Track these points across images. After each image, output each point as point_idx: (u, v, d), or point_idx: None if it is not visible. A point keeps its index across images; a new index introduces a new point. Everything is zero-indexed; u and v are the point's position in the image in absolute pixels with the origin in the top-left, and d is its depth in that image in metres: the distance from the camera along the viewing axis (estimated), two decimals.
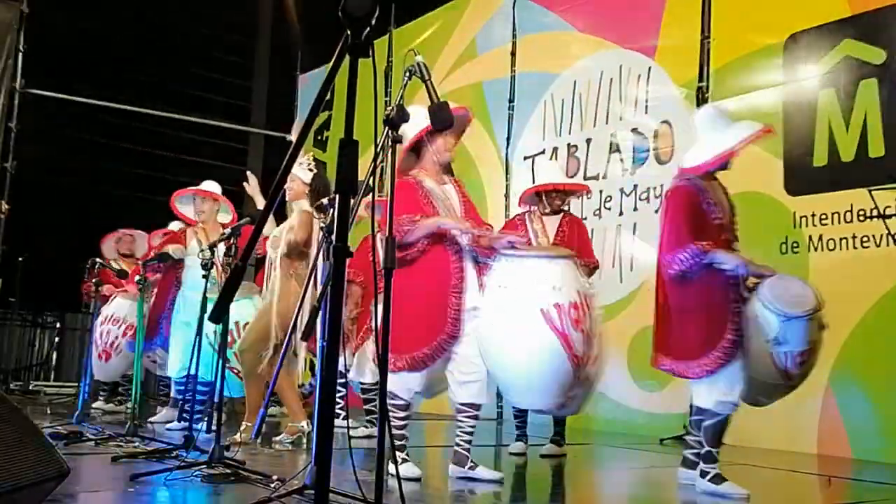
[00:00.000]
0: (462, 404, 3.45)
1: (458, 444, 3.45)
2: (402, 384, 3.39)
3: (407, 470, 3.33)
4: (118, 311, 6.15)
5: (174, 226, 6.43)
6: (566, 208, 4.61)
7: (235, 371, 4.77)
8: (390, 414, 3.36)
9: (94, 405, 6.50)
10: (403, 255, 3.31)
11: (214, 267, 3.98)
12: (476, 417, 3.46)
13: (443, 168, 3.62)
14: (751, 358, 3.24)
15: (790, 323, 3.11)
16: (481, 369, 3.41)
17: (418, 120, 3.35)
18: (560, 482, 4.08)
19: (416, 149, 3.54)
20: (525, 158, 7.41)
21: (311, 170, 4.51)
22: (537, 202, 4.55)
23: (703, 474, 3.32)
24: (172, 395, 5.60)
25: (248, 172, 4.84)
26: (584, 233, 4.65)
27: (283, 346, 3.48)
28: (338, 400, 4.85)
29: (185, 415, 5.19)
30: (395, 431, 3.34)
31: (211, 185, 5.49)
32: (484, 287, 3.45)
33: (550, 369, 3.29)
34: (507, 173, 7.56)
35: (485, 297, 3.42)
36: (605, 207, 6.45)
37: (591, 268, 4.34)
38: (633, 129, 6.42)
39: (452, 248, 3.42)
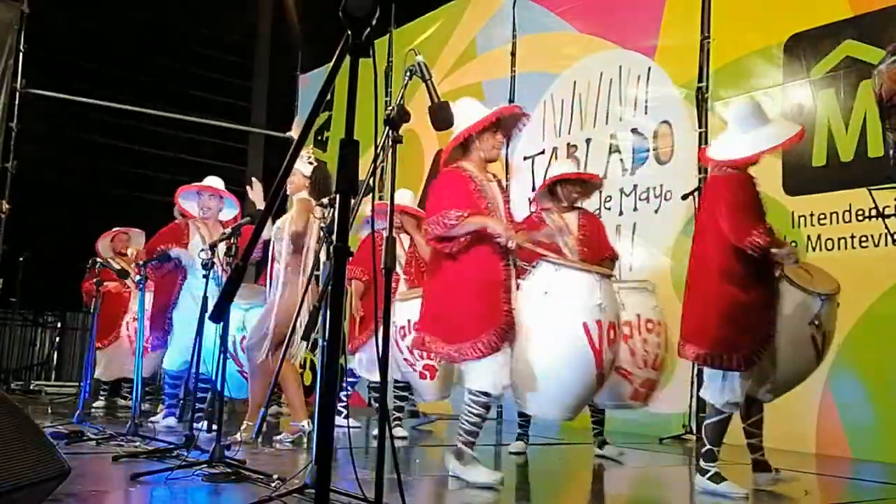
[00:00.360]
0: (479, 391, 3.33)
1: (461, 435, 3.35)
2: (491, 378, 3.27)
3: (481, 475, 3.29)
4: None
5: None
6: (580, 203, 4.58)
7: (242, 371, 4.79)
8: (469, 409, 3.31)
9: (93, 404, 6.51)
10: (444, 247, 3.31)
11: (215, 266, 3.98)
12: (488, 407, 3.37)
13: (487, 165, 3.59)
14: (791, 345, 3.29)
15: (826, 303, 3.29)
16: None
17: (470, 114, 3.40)
18: (559, 481, 4.09)
19: (464, 143, 3.49)
20: (525, 158, 7.42)
21: (311, 163, 4.51)
22: (550, 198, 4.49)
23: (703, 472, 3.33)
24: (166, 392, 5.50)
25: (253, 179, 4.82)
26: (602, 226, 4.67)
27: (286, 343, 3.49)
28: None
29: (173, 410, 5.19)
30: (469, 429, 3.30)
31: (215, 181, 5.45)
32: (520, 289, 3.46)
33: (580, 383, 3.43)
34: (506, 173, 7.56)
35: (524, 301, 3.43)
36: (605, 207, 6.45)
37: (612, 259, 4.45)
38: (633, 130, 6.42)
39: (498, 246, 3.35)
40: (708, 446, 3.33)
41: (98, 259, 5.27)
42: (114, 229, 7.08)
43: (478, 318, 3.28)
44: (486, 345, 3.24)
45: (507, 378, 3.33)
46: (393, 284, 5.04)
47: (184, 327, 5.13)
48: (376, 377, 5.08)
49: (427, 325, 3.46)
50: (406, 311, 4.39)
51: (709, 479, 3.30)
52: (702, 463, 3.34)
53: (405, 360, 4.52)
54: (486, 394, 3.30)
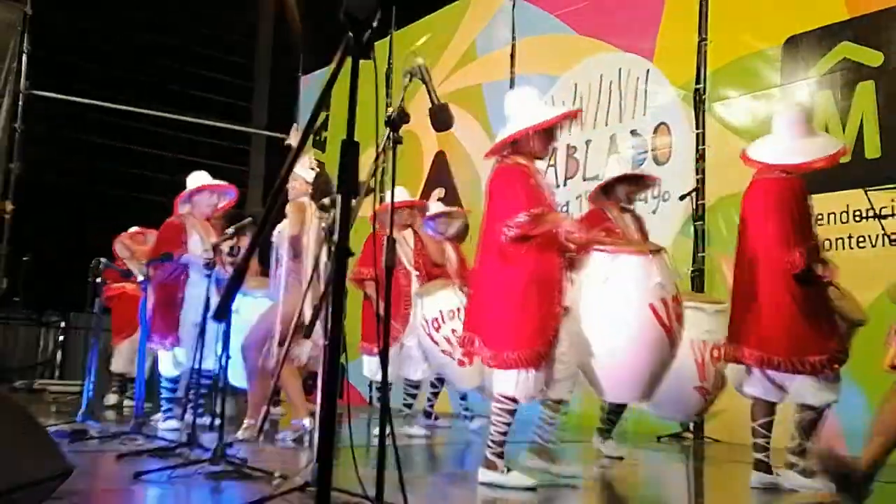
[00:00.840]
0: (553, 401, 3.35)
1: (491, 445, 3.25)
2: (524, 386, 3.16)
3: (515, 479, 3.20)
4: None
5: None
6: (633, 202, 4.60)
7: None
8: (496, 418, 3.23)
9: (105, 401, 6.52)
10: (518, 248, 3.18)
11: (217, 266, 4.02)
12: (514, 413, 3.26)
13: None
14: None
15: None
16: (573, 367, 3.33)
17: (529, 108, 3.37)
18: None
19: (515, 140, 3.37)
20: None
21: (312, 168, 4.54)
22: (605, 197, 4.42)
23: (792, 466, 3.46)
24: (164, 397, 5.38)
25: (295, 125, 4.74)
26: (644, 225, 4.70)
27: (287, 344, 3.52)
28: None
29: (171, 414, 5.17)
30: (498, 438, 3.20)
31: (202, 177, 5.46)
32: (574, 283, 3.36)
33: (657, 361, 3.51)
34: None
35: (583, 293, 3.38)
36: None
37: None
38: (632, 131, 6.45)
39: (557, 243, 3.25)
40: (804, 443, 3.47)
41: (101, 259, 5.26)
42: (132, 229, 6.93)
43: (527, 328, 3.16)
44: (521, 359, 3.13)
45: (536, 388, 3.21)
46: (403, 281, 5.11)
47: (189, 329, 5.07)
48: (411, 375, 5.14)
49: (475, 326, 3.36)
50: (435, 303, 4.43)
51: (800, 472, 3.43)
52: (796, 459, 3.50)
53: (442, 350, 4.56)
54: (513, 400, 3.21)
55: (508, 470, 3.23)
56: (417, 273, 5.25)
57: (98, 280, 5.10)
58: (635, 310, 3.46)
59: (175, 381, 5.28)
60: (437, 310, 4.50)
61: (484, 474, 3.24)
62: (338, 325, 1.72)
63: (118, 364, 6.86)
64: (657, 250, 3.69)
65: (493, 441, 3.24)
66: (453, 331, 4.47)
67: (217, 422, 3.57)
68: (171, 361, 5.17)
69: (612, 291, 3.47)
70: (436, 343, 4.55)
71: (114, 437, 4.21)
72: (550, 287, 3.22)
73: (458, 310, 4.49)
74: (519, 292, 3.18)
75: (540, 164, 3.60)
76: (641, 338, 3.45)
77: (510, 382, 3.18)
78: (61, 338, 9.87)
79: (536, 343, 3.14)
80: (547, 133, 3.36)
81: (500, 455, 3.24)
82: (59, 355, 9.86)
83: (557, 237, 3.21)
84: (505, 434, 3.24)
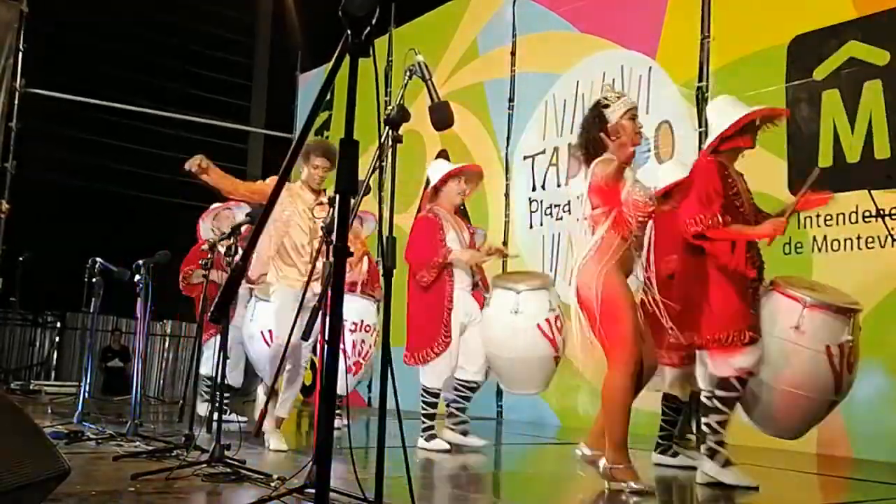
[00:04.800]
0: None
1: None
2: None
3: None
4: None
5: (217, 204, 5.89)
6: None
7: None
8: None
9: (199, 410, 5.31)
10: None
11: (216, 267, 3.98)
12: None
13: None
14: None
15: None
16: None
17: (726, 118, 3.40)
18: (556, 480, 4.08)
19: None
20: (525, 158, 7.42)
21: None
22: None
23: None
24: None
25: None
26: None
27: (285, 346, 3.48)
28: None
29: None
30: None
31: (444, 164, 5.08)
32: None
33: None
34: (506, 173, 7.56)
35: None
36: None
37: None
38: None
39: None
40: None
41: (98, 259, 5.10)
42: (214, 206, 5.93)
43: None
44: None
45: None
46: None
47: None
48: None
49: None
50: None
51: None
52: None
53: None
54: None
55: None
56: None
57: (95, 280, 5.01)
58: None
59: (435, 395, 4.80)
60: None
61: (703, 464, 3.36)
62: (338, 325, 1.70)
63: (209, 366, 5.65)
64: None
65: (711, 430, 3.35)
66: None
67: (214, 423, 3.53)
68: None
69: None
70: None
71: (111, 438, 4.18)
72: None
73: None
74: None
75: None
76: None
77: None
78: (57, 338, 9.84)
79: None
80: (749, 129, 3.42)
81: (722, 444, 3.33)
82: (54, 356, 9.83)
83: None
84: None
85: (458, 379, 4.61)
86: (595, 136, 3.31)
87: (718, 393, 3.29)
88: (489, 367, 4.57)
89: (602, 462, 3.21)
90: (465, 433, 4.67)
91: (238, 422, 4.86)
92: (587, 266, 3.24)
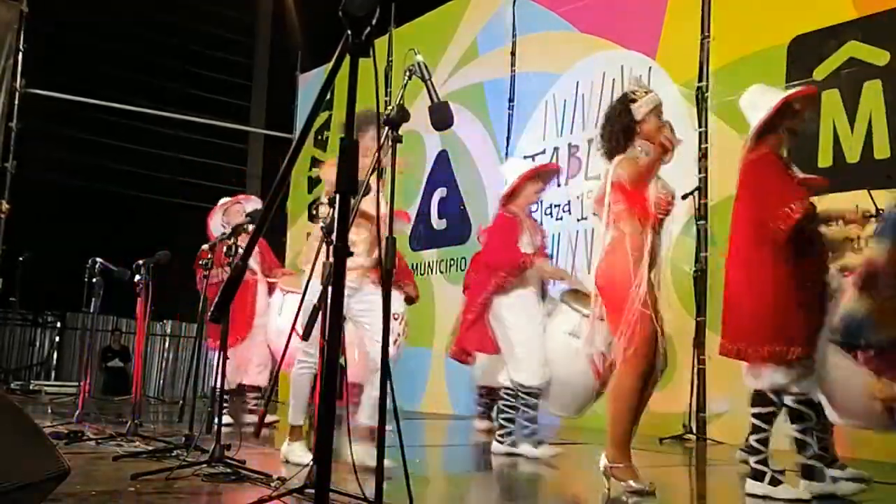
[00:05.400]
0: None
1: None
2: None
3: None
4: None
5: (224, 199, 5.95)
6: None
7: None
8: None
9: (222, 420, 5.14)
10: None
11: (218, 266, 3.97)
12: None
13: None
14: None
15: None
16: None
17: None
18: (556, 481, 4.08)
19: None
20: (525, 158, 7.41)
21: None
22: None
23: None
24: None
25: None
26: None
27: (285, 346, 3.48)
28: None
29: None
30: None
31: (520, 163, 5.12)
32: None
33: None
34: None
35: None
36: None
37: None
38: None
39: None
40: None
41: (98, 259, 5.10)
42: (223, 201, 5.89)
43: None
44: None
45: None
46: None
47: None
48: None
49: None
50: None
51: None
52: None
53: None
54: None
55: None
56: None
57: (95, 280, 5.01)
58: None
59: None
60: None
61: (752, 486, 3.27)
62: (337, 325, 1.70)
63: (237, 376, 5.65)
64: None
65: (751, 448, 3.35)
66: None
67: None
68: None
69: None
70: None
71: (110, 438, 4.18)
72: None
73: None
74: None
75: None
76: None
77: None
78: (57, 338, 9.84)
79: None
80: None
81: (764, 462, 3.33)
82: (54, 356, 9.83)
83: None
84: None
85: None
86: (621, 128, 3.26)
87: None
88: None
89: (602, 460, 3.20)
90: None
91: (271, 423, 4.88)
92: (608, 261, 3.21)
